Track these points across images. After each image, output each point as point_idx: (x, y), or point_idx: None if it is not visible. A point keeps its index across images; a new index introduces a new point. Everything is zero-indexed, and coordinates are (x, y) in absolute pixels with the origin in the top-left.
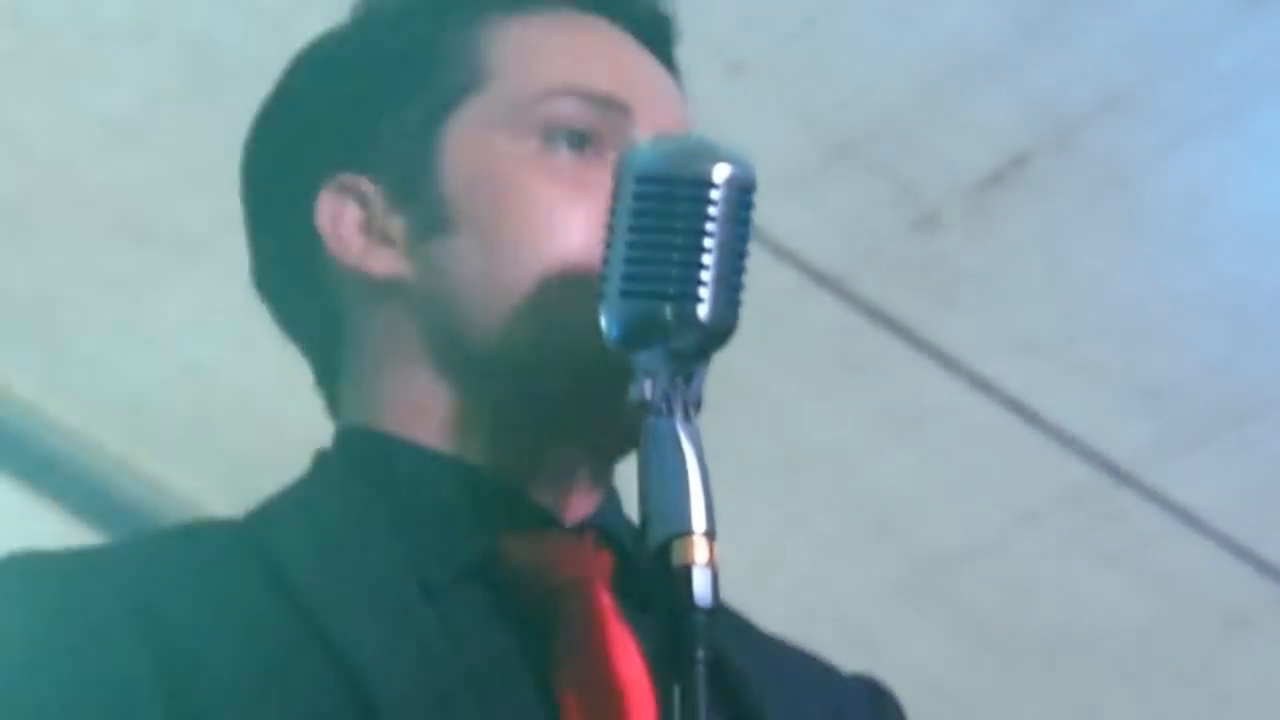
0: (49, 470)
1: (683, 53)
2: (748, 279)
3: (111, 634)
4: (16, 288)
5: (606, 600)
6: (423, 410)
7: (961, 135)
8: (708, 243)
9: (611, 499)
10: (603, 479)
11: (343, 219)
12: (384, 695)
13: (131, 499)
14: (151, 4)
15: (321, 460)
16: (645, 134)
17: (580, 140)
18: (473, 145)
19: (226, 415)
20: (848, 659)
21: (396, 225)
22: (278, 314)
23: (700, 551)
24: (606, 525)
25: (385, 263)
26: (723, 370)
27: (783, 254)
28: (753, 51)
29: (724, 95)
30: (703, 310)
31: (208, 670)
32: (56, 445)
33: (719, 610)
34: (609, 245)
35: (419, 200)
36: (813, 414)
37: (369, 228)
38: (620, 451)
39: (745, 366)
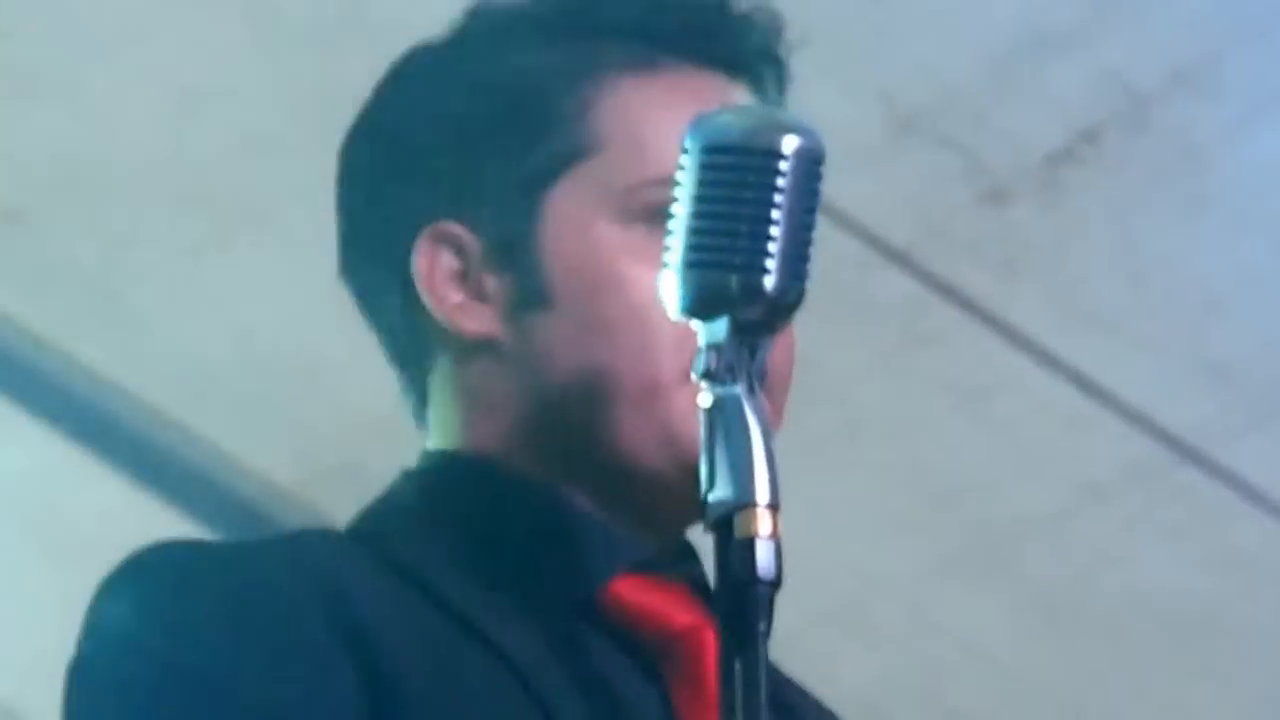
0: (113, 437)
1: None
2: (814, 251)
3: (306, 624)
4: (81, 254)
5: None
6: (522, 453)
7: (1032, 110)
8: (775, 214)
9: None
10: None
11: (439, 268)
12: (551, 690)
13: (194, 465)
14: None
15: (421, 480)
16: None
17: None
18: (576, 222)
19: (289, 382)
20: (911, 633)
21: (494, 285)
22: (362, 310)
23: (764, 524)
24: (695, 571)
25: (479, 322)
26: None
27: (850, 227)
28: (822, 25)
29: (792, 68)
30: (769, 282)
31: (398, 668)
32: (120, 412)
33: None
34: (676, 216)
35: (518, 268)
36: (878, 387)
37: (465, 280)
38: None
39: (811, 339)
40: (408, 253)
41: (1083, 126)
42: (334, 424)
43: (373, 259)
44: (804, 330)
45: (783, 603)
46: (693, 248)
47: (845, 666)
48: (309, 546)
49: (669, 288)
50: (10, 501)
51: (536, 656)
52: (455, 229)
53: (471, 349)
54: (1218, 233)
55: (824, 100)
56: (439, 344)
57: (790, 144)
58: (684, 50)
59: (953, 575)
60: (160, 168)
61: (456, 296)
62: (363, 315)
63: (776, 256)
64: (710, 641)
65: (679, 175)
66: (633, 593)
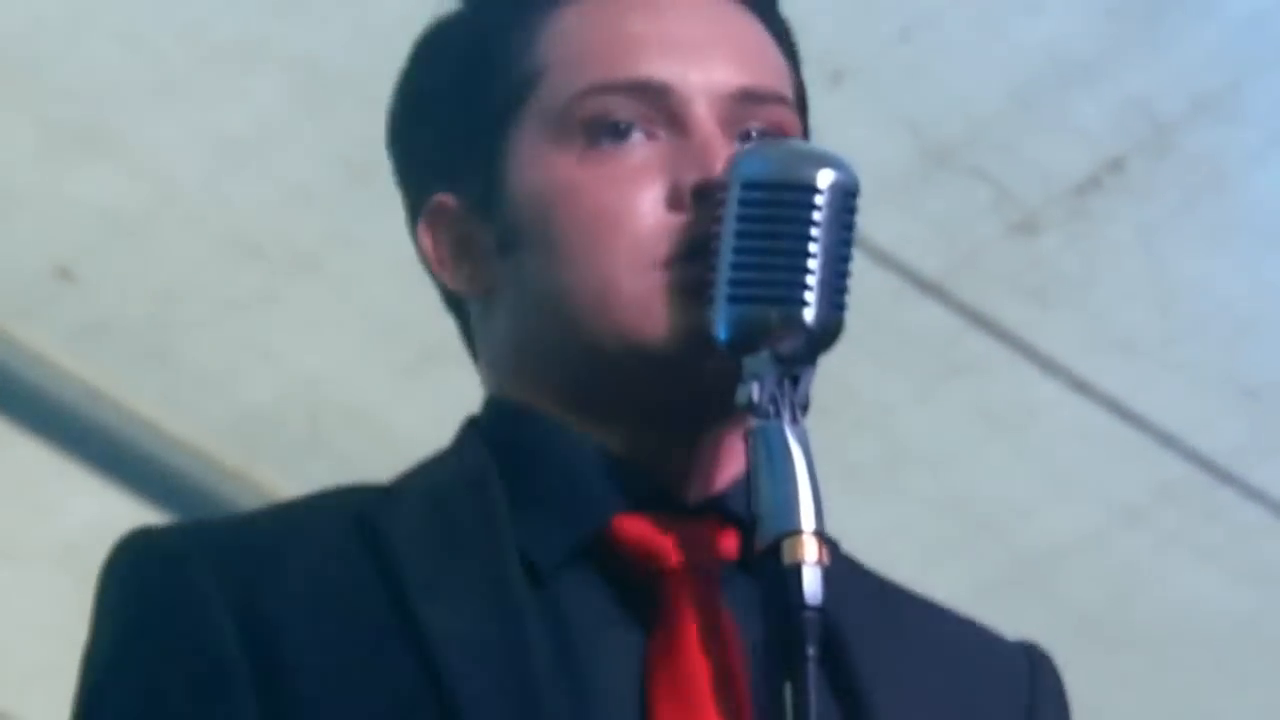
0: (166, 485)
1: None
2: (849, 283)
3: (207, 614)
4: (132, 306)
5: (710, 589)
6: (535, 395)
7: (1058, 140)
8: (812, 247)
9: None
10: (717, 458)
11: (437, 239)
12: (466, 693)
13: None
14: (260, 25)
15: (465, 427)
16: (699, 105)
17: (623, 131)
18: (529, 158)
19: (339, 429)
20: None
21: (484, 240)
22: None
23: (810, 550)
24: (729, 504)
25: (472, 282)
26: (826, 373)
27: (883, 259)
28: (852, 61)
29: (824, 104)
30: (809, 314)
31: (296, 652)
32: (173, 460)
33: (833, 603)
34: (716, 252)
35: (496, 215)
36: (915, 416)
37: (463, 247)
38: (711, 417)
39: (848, 370)
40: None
41: (1109, 155)
42: (385, 468)
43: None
44: (842, 363)
45: None
46: (733, 282)
47: None
48: (259, 525)
49: (712, 323)
50: (68, 553)
51: (466, 645)
52: (445, 199)
53: (478, 306)
54: (1245, 256)
55: (854, 135)
56: (465, 311)
57: (825, 178)
58: None
59: (992, 600)
60: (207, 220)
61: (453, 262)
62: None
63: (815, 288)
64: (702, 581)
65: (718, 211)
66: (633, 531)
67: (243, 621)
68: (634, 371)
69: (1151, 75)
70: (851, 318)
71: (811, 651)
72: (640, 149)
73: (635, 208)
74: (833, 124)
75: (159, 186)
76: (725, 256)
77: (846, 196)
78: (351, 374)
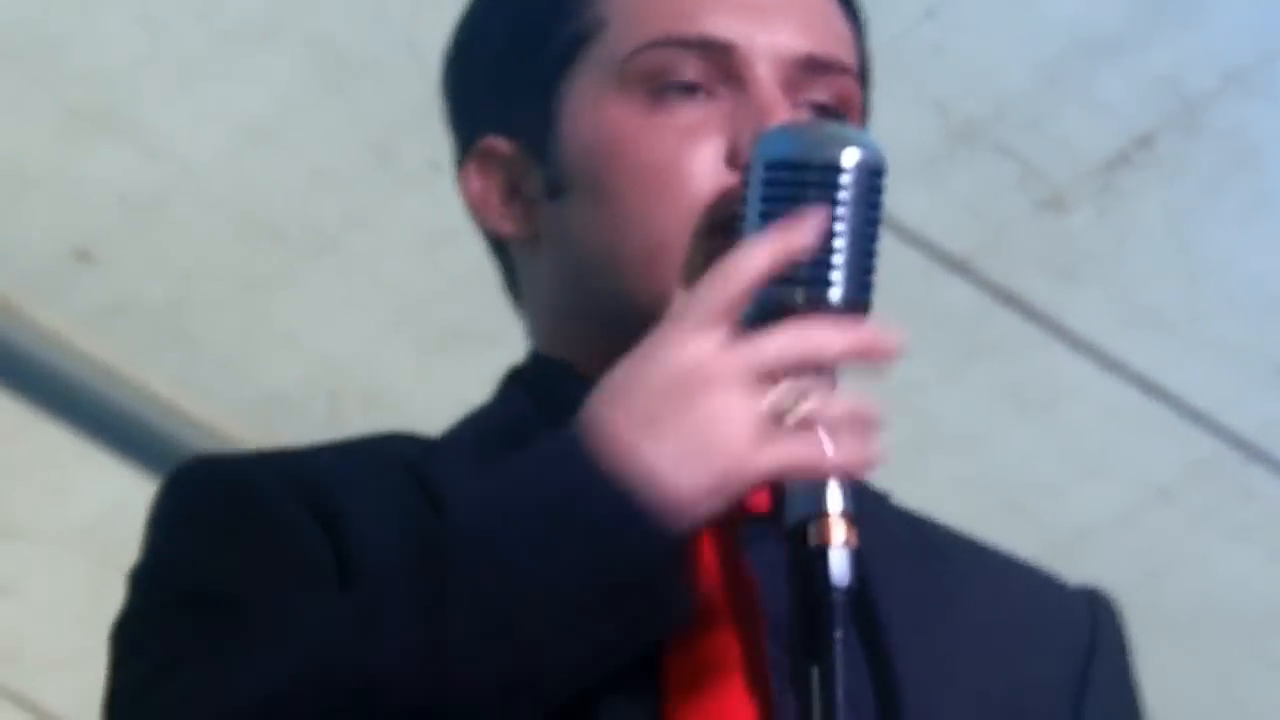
0: None
1: None
2: (878, 262)
3: (285, 509)
4: (150, 288)
5: (734, 544)
6: (580, 348)
7: (1086, 116)
8: (838, 227)
9: None
10: None
11: (486, 183)
12: None
13: None
14: (279, 5)
15: (508, 380)
16: (761, 67)
17: (686, 89)
18: (586, 104)
19: (358, 410)
20: None
21: (529, 186)
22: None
23: (838, 532)
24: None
25: (518, 226)
26: None
27: (910, 238)
28: (877, 39)
29: None
30: (835, 294)
31: (364, 552)
32: (193, 443)
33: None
34: (742, 232)
35: (545, 161)
36: (943, 396)
37: (513, 191)
38: None
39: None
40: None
41: (1137, 131)
42: None
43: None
44: None
45: None
46: None
47: None
48: (325, 456)
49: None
50: (85, 536)
51: None
52: (495, 142)
53: (523, 252)
54: (1276, 232)
55: (880, 113)
56: (510, 256)
57: (851, 157)
58: None
59: None
60: (226, 201)
61: (500, 206)
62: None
63: (841, 268)
64: (710, 537)
65: (744, 190)
66: None
67: (317, 517)
68: None
69: (1181, 50)
70: (878, 297)
71: (839, 635)
72: (700, 106)
73: (691, 164)
74: None
75: (177, 167)
76: (751, 236)
77: (873, 175)
78: (371, 355)
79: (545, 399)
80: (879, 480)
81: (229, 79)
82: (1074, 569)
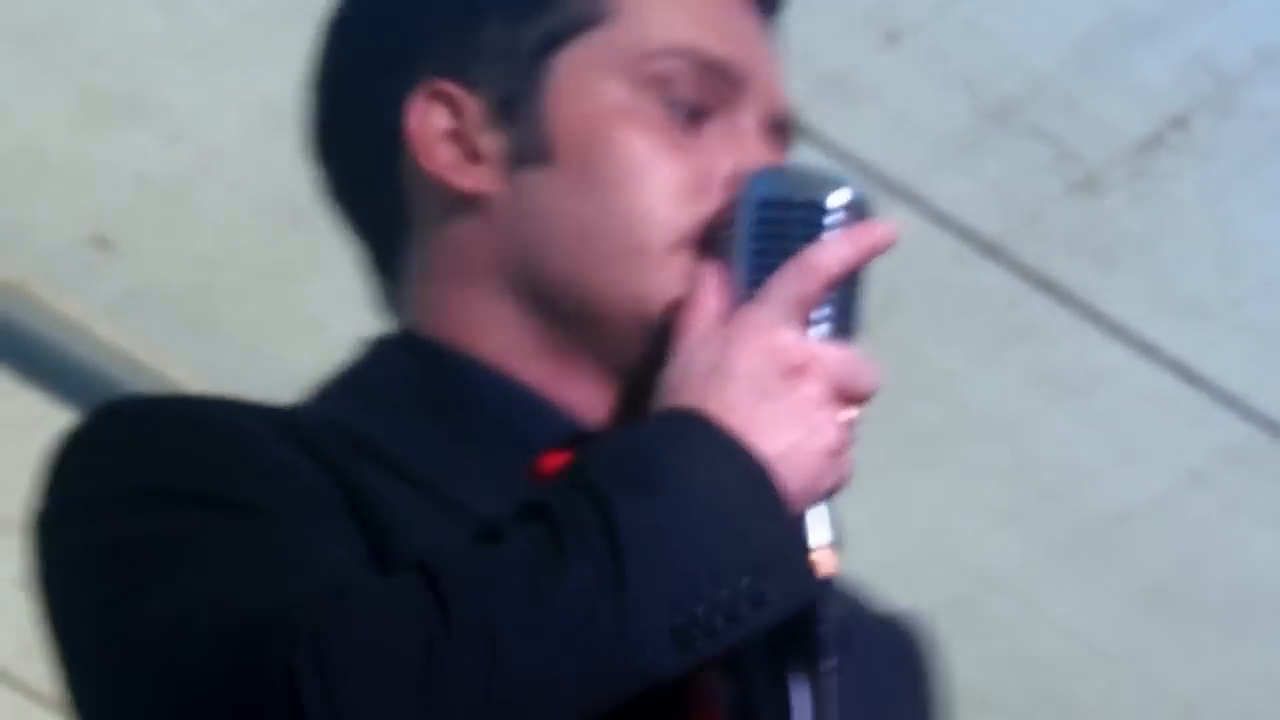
0: None
1: (840, 22)
2: (908, 247)
3: (265, 433)
4: (172, 274)
5: None
6: (484, 326)
7: (1120, 97)
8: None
9: None
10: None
11: (432, 126)
12: None
13: None
14: None
15: (379, 356)
16: (751, 110)
17: (693, 108)
18: (584, 82)
19: None
20: (1019, 625)
21: (491, 143)
22: (333, 187)
23: (829, 563)
24: None
25: (473, 179)
26: (886, 340)
27: (942, 221)
28: (908, 19)
29: (880, 64)
30: (820, 332)
31: (374, 498)
32: None
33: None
34: (730, 261)
35: (520, 125)
36: (976, 381)
37: (459, 140)
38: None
39: (908, 335)
40: (396, 113)
41: (1172, 112)
42: None
43: (355, 124)
44: (901, 328)
45: (890, 599)
46: (747, 300)
47: (954, 660)
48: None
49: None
50: None
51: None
52: (452, 88)
53: (459, 209)
54: None
55: (911, 95)
56: (423, 210)
57: (839, 197)
58: None
59: (1059, 567)
60: (248, 185)
61: (448, 155)
62: (332, 199)
63: (829, 304)
64: None
65: (736, 224)
66: (554, 466)
67: (315, 460)
68: (630, 334)
69: (1216, 29)
70: (910, 281)
71: (829, 665)
72: (700, 127)
73: (686, 181)
74: (889, 84)
75: (199, 151)
76: (740, 275)
77: (859, 216)
78: None
79: (427, 377)
80: (913, 467)
81: (251, 60)
82: (1109, 555)
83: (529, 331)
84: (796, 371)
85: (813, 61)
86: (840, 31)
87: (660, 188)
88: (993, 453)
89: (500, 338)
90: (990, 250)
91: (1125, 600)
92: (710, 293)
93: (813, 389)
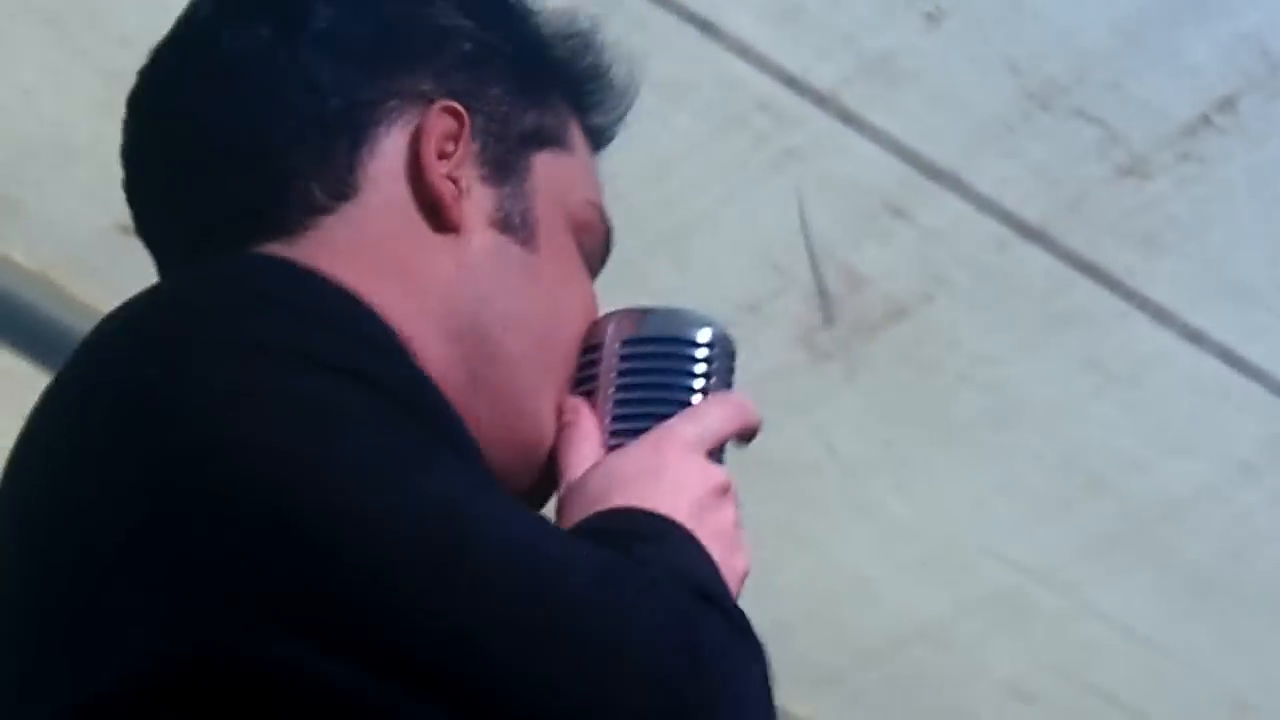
0: None
1: (881, 4)
2: (951, 232)
3: None
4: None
5: None
6: (411, 342)
7: (1167, 79)
8: (696, 400)
9: None
10: None
11: (438, 140)
12: None
13: None
14: None
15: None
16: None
17: (592, 251)
18: (556, 194)
19: None
20: (1064, 616)
21: (476, 189)
22: (300, 89)
23: None
24: None
25: (459, 213)
26: (928, 326)
27: (986, 206)
28: (951, 1)
29: (922, 46)
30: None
31: None
32: None
33: None
34: (597, 396)
35: (508, 193)
36: (1021, 368)
37: (460, 175)
38: None
39: (951, 321)
40: (399, 98)
41: (1220, 94)
42: None
43: (373, 79)
44: (946, 313)
45: (935, 591)
46: (615, 433)
47: (998, 652)
48: None
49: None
50: None
51: None
52: (462, 117)
53: (431, 226)
54: None
55: (954, 77)
56: (387, 198)
57: (705, 334)
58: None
59: (1105, 557)
60: None
61: (443, 169)
62: (295, 95)
63: None
64: None
65: (596, 370)
66: None
67: None
68: (528, 450)
69: (1265, 9)
70: (953, 267)
71: None
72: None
73: (585, 319)
74: (932, 66)
75: None
76: (607, 408)
77: (726, 354)
78: None
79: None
80: (958, 456)
81: None
82: (1156, 545)
83: (447, 378)
84: (724, 491)
85: (853, 45)
86: (881, 13)
87: (570, 331)
88: (1037, 442)
89: (423, 361)
90: (1035, 235)
91: (1173, 592)
92: (587, 418)
93: (732, 512)
